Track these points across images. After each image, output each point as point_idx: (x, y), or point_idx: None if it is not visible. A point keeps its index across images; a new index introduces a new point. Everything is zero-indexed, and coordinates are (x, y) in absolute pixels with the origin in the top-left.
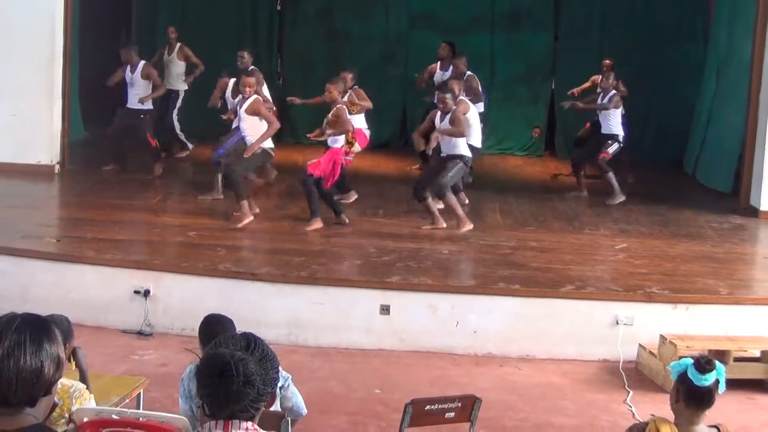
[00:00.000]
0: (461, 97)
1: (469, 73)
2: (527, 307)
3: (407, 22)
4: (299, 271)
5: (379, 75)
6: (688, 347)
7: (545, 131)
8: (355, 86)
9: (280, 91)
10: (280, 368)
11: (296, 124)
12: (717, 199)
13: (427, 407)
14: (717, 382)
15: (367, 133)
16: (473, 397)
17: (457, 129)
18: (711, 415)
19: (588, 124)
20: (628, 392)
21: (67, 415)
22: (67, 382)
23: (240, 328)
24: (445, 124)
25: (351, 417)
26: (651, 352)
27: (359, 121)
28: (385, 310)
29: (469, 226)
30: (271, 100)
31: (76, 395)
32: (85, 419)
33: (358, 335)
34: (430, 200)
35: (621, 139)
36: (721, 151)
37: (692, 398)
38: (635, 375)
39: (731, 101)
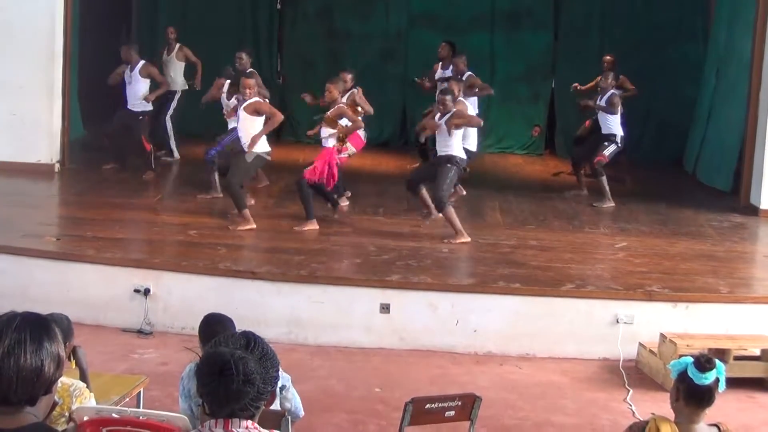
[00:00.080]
0: (460, 99)
1: (469, 72)
2: (527, 306)
3: (407, 22)
4: (299, 270)
5: (379, 74)
6: (688, 346)
7: (545, 130)
8: (358, 87)
9: (281, 90)
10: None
11: (296, 124)
12: (717, 198)
13: (428, 406)
14: (717, 380)
15: (363, 135)
16: (473, 396)
17: (471, 118)
18: (711, 413)
19: (588, 123)
20: (628, 391)
21: (67, 414)
22: (68, 380)
23: (240, 326)
24: (443, 125)
25: (351, 416)
26: (651, 351)
27: None
28: (385, 308)
29: (466, 239)
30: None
31: (76, 394)
32: (85, 418)
33: (358, 334)
34: (424, 191)
35: (619, 139)
36: (721, 150)
37: (692, 397)
38: (635, 374)
39: (731, 100)
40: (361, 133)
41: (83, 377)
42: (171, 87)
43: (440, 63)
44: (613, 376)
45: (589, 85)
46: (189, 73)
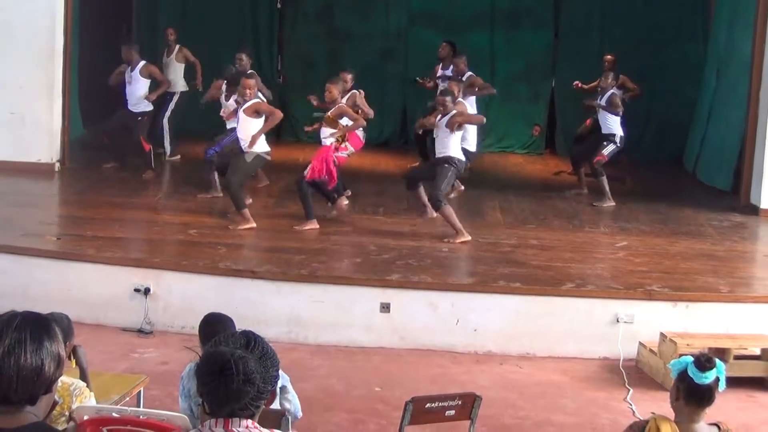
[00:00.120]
0: (459, 99)
1: (469, 72)
2: (527, 305)
3: (407, 21)
4: (299, 269)
5: (380, 73)
6: (688, 345)
7: (545, 129)
8: (359, 90)
9: (281, 89)
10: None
11: (296, 123)
12: (717, 197)
13: (428, 405)
14: (717, 380)
15: (362, 135)
16: (473, 395)
17: (473, 116)
18: (711, 413)
19: (588, 121)
20: (629, 390)
21: (67, 413)
22: (68, 380)
23: (240, 326)
24: (443, 126)
25: (351, 415)
26: (651, 350)
27: None
28: (385, 308)
29: (466, 238)
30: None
31: (76, 393)
32: (86, 417)
33: (359, 333)
34: (421, 190)
35: (619, 139)
36: (721, 149)
37: (692, 396)
38: (635, 373)
39: (731, 99)
40: (360, 133)
41: (83, 376)
42: (171, 89)
43: (440, 63)
44: (613, 375)
45: (591, 85)
46: (189, 74)
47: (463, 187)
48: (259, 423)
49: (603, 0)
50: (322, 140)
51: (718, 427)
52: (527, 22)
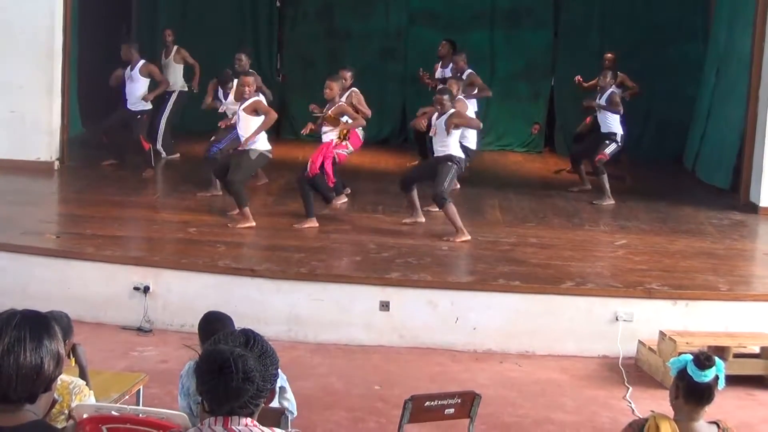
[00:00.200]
0: (459, 97)
1: (469, 70)
2: (527, 304)
3: (407, 20)
4: (299, 268)
5: (379, 72)
6: (687, 343)
7: (545, 128)
8: (355, 89)
9: (281, 89)
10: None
11: (296, 122)
12: (717, 196)
13: (427, 403)
14: (716, 378)
15: (361, 134)
16: (473, 394)
17: (471, 120)
18: (710, 411)
19: (588, 120)
20: (628, 388)
21: (66, 412)
22: (67, 378)
23: (239, 324)
24: (441, 125)
25: (351, 413)
26: (650, 349)
27: None
28: (384, 306)
29: (466, 237)
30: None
31: (75, 391)
32: (85, 415)
33: (358, 331)
34: (414, 193)
35: (619, 138)
36: (720, 148)
37: (692, 394)
38: (635, 371)
39: (731, 98)
40: (359, 132)
41: (83, 375)
42: (169, 89)
43: (440, 62)
44: (612, 373)
45: (590, 83)
46: (188, 75)
47: (458, 186)
48: (258, 421)
49: (603, 0)
50: (323, 136)
51: (718, 426)
52: (527, 21)
